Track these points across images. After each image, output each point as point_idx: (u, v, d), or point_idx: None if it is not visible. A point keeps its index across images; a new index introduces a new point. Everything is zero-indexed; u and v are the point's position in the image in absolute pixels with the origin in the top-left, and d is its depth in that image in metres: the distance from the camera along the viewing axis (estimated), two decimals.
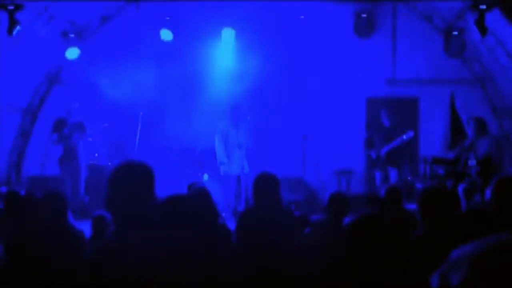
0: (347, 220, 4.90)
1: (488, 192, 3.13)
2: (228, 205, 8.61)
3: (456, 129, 10.19)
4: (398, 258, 3.58)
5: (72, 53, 9.45)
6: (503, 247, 1.91)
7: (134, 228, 2.44)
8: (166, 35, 9.68)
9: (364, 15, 9.75)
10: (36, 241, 3.19)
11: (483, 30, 7.90)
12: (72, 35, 9.39)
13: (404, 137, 8.84)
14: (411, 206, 8.54)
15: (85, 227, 4.62)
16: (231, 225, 4.55)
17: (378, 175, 9.18)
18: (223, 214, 6.50)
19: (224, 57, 10.06)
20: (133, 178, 2.53)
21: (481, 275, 1.80)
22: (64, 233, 3.62)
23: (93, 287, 2.36)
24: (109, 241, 2.54)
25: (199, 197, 3.79)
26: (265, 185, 4.45)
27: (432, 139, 10.23)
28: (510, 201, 2.96)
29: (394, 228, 4.52)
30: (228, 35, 9.87)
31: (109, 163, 9.56)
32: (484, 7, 7.77)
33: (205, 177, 9.06)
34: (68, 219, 3.98)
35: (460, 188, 7.72)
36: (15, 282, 2.93)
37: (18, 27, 7.80)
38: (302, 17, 9.86)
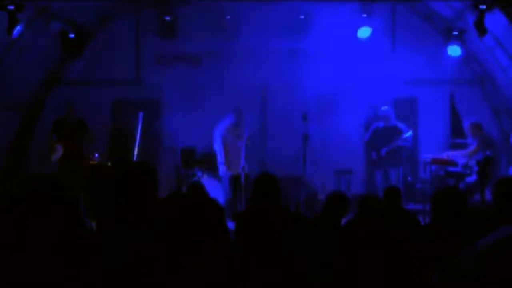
0: (346, 219, 4.91)
1: (488, 192, 3.14)
2: (227, 205, 8.60)
3: (456, 130, 10.19)
4: (406, 257, 3.58)
5: (75, 53, 9.47)
6: (507, 239, 1.92)
7: (136, 227, 2.45)
8: (167, 34, 9.66)
9: (364, 15, 9.74)
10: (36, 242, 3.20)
11: (482, 30, 7.90)
12: (72, 35, 9.39)
13: (404, 137, 8.86)
14: (411, 206, 8.60)
15: None
16: (231, 225, 4.55)
17: (378, 175, 9.18)
18: None
19: (225, 56, 10.08)
20: (136, 178, 2.54)
21: (486, 265, 1.80)
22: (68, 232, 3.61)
23: (94, 285, 2.37)
24: (111, 240, 2.55)
25: (197, 194, 3.79)
26: (265, 186, 4.45)
27: (431, 139, 10.23)
28: (510, 202, 2.97)
29: (394, 228, 4.53)
30: (227, 34, 9.87)
31: (109, 163, 9.55)
32: (484, 7, 7.77)
33: (205, 177, 9.05)
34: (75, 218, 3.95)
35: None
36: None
37: (18, 27, 7.80)
38: (302, 17, 9.86)
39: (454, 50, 9.37)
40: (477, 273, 1.83)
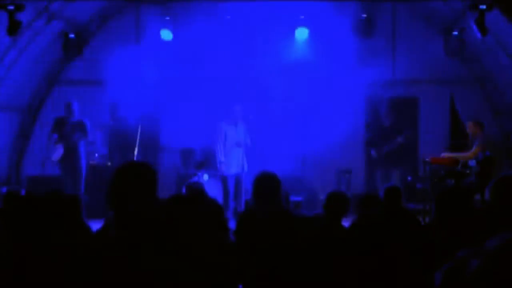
0: (350, 221, 4.91)
1: (487, 192, 3.14)
2: (227, 205, 8.60)
3: (456, 130, 10.19)
4: (406, 257, 3.58)
5: (74, 52, 9.46)
6: None
7: (136, 228, 2.45)
8: (166, 35, 9.68)
9: (364, 15, 9.75)
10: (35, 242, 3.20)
11: (483, 30, 7.90)
12: (72, 35, 9.39)
13: (403, 136, 8.86)
14: (411, 206, 8.59)
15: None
16: (231, 225, 4.54)
17: (378, 175, 9.17)
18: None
19: (224, 56, 10.08)
20: (136, 178, 2.54)
21: (494, 266, 1.78)
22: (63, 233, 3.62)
23: (94, 286, 2.36)
24: (111, 240, 2.55)
25: (196, 194, 3.78)
26: (266, 184, 4.45)
27: (432, 139, 10.23)
28: (509, 201, 2.97)
29: (396, 228, 4.53)
30: (227, 34, 9.87)
31: (109, 163, 9.55)
32: (484, 7, 7.77)
33: (205, 177, 9.06)
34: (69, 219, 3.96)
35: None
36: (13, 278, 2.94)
37: (18, 27, 7.80)
38: (302, 17, 9.86)
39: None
40: (484, 274, 1.80)
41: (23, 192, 8.12)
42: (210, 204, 3.65)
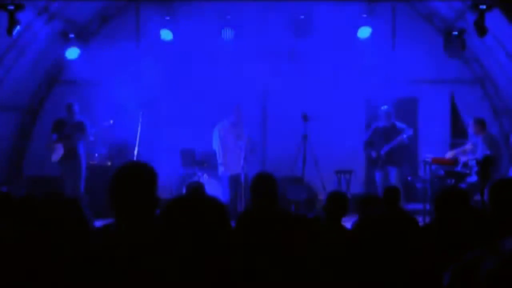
0: (349, 221, 4.91)
1: (486, 193, 3.14)
2: (227, 206, 8.61)
3: (456, 130, 10.19)
4: (411, 258, 3.58)
5: (72, 53, 9.45)
6: None
7: (136, 228, 2.46)
8: (166, 35, 9.68)
9: (364, 15, 9.75)
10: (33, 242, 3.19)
11: (482, 30, 7.89)
12: (72, 35, 9.39)
13: (404, 136, 8.84)
14: (411, 206, 8.60)
15: None
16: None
17: (378, 175, 9.17)
18: None
19: (224, 57, 10.08)
20: (136, 178, 2.54)
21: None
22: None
23: (93, 286, 2.37)
24: (111, 241, 2.55)
25: (197, 194, 3.77)
26: (262, 185, 4.45)
27: (431, 139, 10.23)
28: (507, 204, 2.97)
29: (397, 229, 4.53)
30: (227, 35, 9.87)
31: (109, 163, 9.55)
32: (484, 7, 7.76)
33: (205, 177, 9.06)
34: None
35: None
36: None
37: (18, 27, 7.80)
38: (302, 17, 9.85)
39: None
40: (499, 276, 1.78)
41: (21, 192, 8.13)
42: (212, 202, 3.65)
